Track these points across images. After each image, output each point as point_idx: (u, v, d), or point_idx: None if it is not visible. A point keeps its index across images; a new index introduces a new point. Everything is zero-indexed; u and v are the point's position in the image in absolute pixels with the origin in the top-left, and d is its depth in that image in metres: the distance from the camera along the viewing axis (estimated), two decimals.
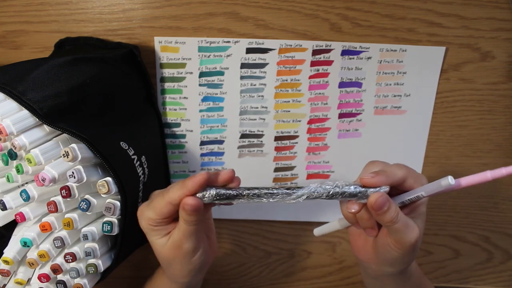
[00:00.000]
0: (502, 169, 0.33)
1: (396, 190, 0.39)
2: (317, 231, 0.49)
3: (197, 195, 0.36)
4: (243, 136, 0.57)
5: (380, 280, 0.45)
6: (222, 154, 0.58)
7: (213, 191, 0.36)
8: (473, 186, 0.61)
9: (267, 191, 0.37)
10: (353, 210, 0.38)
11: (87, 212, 0.39)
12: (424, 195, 0.37)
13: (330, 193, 0.37)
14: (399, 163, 0.39)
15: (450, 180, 0.35)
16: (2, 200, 0.40)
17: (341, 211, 0.41)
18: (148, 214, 0.38)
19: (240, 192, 0.37)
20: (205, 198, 0.36)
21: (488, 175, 0.33)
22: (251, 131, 0.57)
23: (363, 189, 0.37)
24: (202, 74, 0.54)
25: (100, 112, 0.43)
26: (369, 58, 0.54)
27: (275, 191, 0.37)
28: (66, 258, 0.40)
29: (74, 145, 0.37)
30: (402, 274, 0.44)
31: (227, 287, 0.65)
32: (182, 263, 0.40)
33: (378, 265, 0.42)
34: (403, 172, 0.38)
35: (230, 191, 0.37)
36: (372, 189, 0.37)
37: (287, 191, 0.38)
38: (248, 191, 0.37)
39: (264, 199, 0.38)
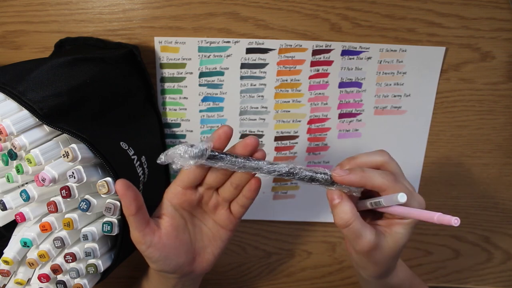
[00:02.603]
0: (450, 218, 0.32)
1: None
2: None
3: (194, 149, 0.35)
4: (243, 136, 0.57)
5: (367, 282, 0.45)
6: None
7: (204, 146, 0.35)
8: (473, 186, 0.61)
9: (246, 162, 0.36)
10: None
11: (87, 212, 0.39)
12: (383, 204, 0.36)
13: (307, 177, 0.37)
14: (388, 172, 0.37)
15: (399, 197, 0.35)
16: (2, 200, 0.40)
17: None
18: (172, 183, 0.40)
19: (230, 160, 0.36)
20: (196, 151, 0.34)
21: (435, 217, 0.33)
22: (251, 131, 0.57)
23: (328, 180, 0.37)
24: (202, 74, 0.54)
25: (100, 112, 0.43)
26: (369, 58, 0.54)
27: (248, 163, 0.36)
28: (66, 258, 0.40)
29: (74, 145, 0.37)
30: (382, 285, 0.44)
31: (227, 287, 0.65)
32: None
33: (355, 265, 0.42)
34: (383, 181, 0.36)
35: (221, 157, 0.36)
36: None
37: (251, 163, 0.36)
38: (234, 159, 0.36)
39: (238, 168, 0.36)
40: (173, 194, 0.40)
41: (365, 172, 0.36)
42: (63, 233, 0.40)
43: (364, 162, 0.38)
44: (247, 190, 0.39)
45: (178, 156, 0.34)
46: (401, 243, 0.38)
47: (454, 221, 0.32)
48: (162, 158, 0.35)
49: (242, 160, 0.35)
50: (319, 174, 0.37)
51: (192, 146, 0.34)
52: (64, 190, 0.38)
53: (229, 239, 0.43)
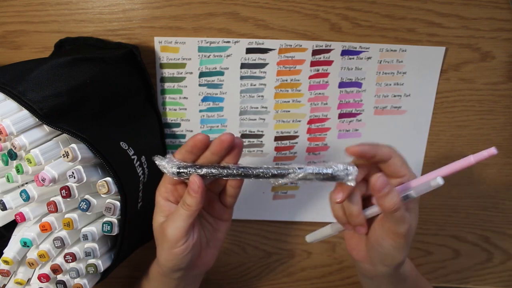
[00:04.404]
0: (484, 151, 0.35)
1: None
2: (309, 238, 0.49)
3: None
4: (243, 136, 0.57)
5: (375, 280, 0.45)
6: None
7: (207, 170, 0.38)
8: (473, 185, 0.61)
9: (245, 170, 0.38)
10: (338, 200, 0.38)
11: (87, 212, 0.39)
12: (414, 195, 0.38)
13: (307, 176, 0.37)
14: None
15: (439, 181, 0.36)
16: (2, 200, 0.40)
17: (332, 213, 0.41)
18: (161, 182, 0.41)
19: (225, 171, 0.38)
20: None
21: (472, 159, 0.36)
22: (251, 131, 0.57)
23: (331, 170, 0.37)
24: (202, 74, 0.54)
25: (100, 112, 0.43)
26: (369, 58, 0.54)
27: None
28: (66, 258, 0.40)
29: (74, 145, 0.37)
30: (397, 276, 0.44)
31: (227, 287, 0.66)
32: (163, 248, 0.40)
33: (371, 263, 0.42)
34: (389, 150, 0.39)
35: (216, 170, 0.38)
36: (340, 166, 0.37)
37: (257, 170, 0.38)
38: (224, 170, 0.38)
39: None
40: (166, 193, 0.40)
41: (372, 144, 0.39)
42: (63, 233, 0.40)
43: None
44: (231, 181, 0.40)
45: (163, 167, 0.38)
46: (417, 218, 0.41)
47: (493, 150, 0.35)
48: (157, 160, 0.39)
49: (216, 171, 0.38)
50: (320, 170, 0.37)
51: (174, 166, 0.37)
52: (64, 190, 0.38)
53: (227, 230, 0.44)
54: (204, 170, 0.37)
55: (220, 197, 0.42)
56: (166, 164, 0.38)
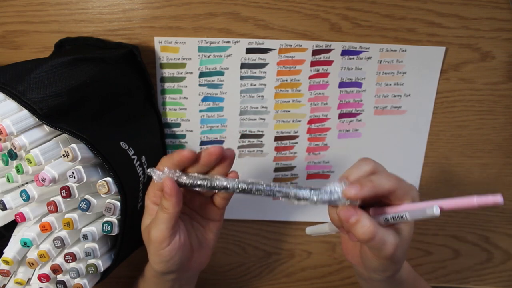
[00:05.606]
0: (489, 196, 0.32)
1: (384, 199, 0.39)
2: (309, 230, 0.49)
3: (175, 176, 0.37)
4: (243, 136, 0.57)
5: (370, 283, 0.45)
6: None
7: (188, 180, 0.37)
8: (473, 185, 0.61)
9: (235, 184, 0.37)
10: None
11: (87, 212, 0.39)
12: (408, 218, 0.36)
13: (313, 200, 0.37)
14: (391, 173, 0.37)
15: (434, 210, 0.34)
16: (2, 200, 0.40)
17: (328, 215, 0.41)
18: (150, 187, 0.40)
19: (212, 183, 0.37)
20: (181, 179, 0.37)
21: (475, 201, 0.33)
22: (251, 131, 0.57)
23: (334, 198, 0.36)
24: (202, 74, 0.54)
25: (100, 112, 0.43)
26: (369, 58, 0.54)
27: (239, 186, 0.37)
28: (66, 258, 0.40)
29: (74, 145, 0.37)
30: (392, 281, 0.44)
31: (227, 287, 0.66)
32: (150, 250, 0.39)
33: (365, 270, 0.42)
34: (391, 183, 0.36)
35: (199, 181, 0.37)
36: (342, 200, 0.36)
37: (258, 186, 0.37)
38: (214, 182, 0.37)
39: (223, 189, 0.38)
40: (155, 198, 0.40)
41: (374, 181, 0.36)
42: (63, 233, 0.40)
43: (358, 177, 0.37)
44: None
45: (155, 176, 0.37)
46: (411, 233, 0.38)
47: (499, 199, 0.31)
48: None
49: (204, 182, 0.37)
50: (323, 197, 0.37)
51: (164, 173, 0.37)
52: (64, 190, 0.38)
53: (219, 230, 0.44)
54: (200, 182, 0.37)
55: (212, 198, 0.42)
56: (164, 176, 0.37)
